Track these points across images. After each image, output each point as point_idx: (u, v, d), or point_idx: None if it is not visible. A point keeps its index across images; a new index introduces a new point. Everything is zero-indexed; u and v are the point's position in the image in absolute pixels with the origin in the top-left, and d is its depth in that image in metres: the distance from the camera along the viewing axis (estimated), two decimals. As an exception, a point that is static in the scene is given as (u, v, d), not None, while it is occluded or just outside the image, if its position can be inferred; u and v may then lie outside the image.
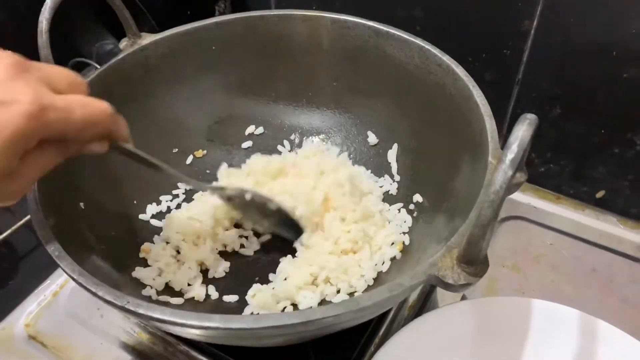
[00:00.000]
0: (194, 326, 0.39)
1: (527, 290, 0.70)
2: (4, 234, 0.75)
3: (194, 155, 0.74)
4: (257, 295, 0.59)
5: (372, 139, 0.74)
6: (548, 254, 0.74)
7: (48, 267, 0.74)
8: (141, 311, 0.40)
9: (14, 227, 0.76)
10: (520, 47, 0.75)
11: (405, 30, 0.66)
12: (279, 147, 0.77)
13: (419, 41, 0.64)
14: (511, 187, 0.48)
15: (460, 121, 0.59)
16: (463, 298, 0.69)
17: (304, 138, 0.77)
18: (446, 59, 0.62)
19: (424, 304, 0.68)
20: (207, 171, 0.74)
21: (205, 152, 0.75)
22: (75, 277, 0.43)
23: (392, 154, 0.72)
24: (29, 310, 0.69)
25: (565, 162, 0.81)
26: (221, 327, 0.39)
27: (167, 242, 0.65)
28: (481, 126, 0.54)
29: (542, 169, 0.83)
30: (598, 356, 0.57)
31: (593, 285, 0.71)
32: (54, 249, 0.46)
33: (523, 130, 0.36)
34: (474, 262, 0.41)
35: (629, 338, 0.57)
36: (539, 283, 0.71)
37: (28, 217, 0.76)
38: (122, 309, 0.41)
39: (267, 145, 0.77)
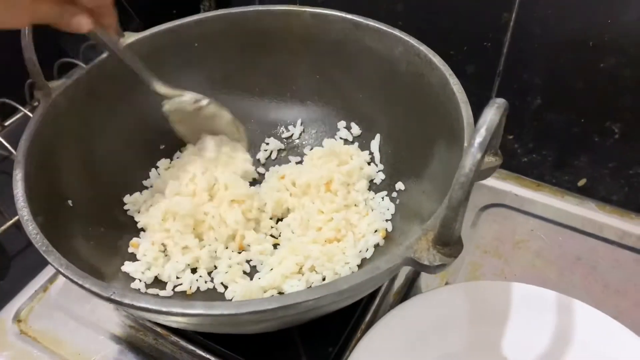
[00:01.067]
0: (178, 313, 0.41)
1: (509, 276, 0.71)
2: (-6, 234, 0.76)
3: (180, 151, 0.75)
4: (243, 285, 0.61)
5: (355, 130, 0.75)
6: (530, 240, 0.75)
7: (38, 267, 0.74)
8: (127, 301, 0.41)
9: (3, 227, 0.77)
10: (500, 39, 0.76)
11: (388, 25, 0.67)
12: (267, 140, 0.78)
13: (397, 32, 0.65)
14: (484, 171, 0.50)
15: (439, 109, 0.60)
16: (447, 284, 0.70)
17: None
18: (424, 49, 0.63)
19: (409, 290, 0.69)
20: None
21: (192, 148, 0.76)
22: (62, 271, 0.44)
23: (375, 144, 0.73)
24: (19, 306, 0.70)
25: (547, 151, 0.83)
26: (204, 313, 0.40)
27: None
28: (458, 113, 0.55)
29: (525, 159, 0.85)
30: (579, 337, 0.59)
31: (575, 271, 0.72)
32: (41, 244, 0.47)
33: (491, 114, 0.37)
34: (449, 243, 0.42)
35: (609, 319, 0.59)
36: (521, 268, 0.72)
37: (17, 217, 0.77)
38: (109, 299, 0.42)
39: (253, 139, 0.78)
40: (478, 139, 0.37)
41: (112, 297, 0.42)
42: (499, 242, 0.75)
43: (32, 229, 0.48)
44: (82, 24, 0.55)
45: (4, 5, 0.49)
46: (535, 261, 0.73)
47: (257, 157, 0.78)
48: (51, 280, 0.72)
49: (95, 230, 0.61)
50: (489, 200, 0.80)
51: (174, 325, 0.50)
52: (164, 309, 0.41)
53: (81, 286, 0.43)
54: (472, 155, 0.37)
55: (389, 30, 0.66)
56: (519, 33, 0.74)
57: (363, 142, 0.75)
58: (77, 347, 0.66)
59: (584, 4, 0.68)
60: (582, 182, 0.82)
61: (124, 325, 0.68)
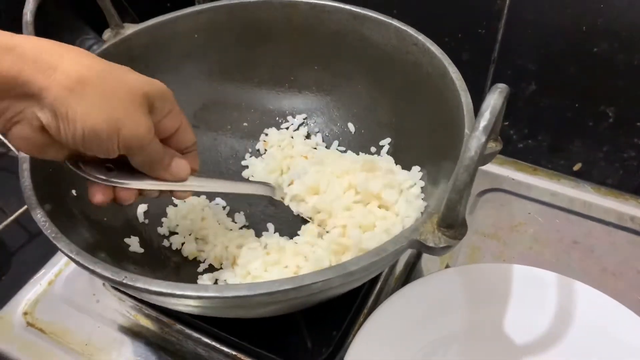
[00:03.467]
0: (191, 297, 0.41)
1: (508, 259, 0.73)
2: (-5, 230, 0.76)
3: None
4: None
5: (354, 120, 0.76)
6: (527, 224, 0.77)
7: (39, 262, 0.75)
8: (139, 285, 0.42)
9: (4, 223, 0.77)
10: (495, 26, 0.77)
11: (383, 13, 0.68)
12: (266, 130, 0.79)
13: (395, 22, 0.66)
14: (486, 156, 0.51)
15: (437, 97, 0.61)
16: (447, 266, 0.71)
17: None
18: (422, 38, 0.63)
19: (409, 274, 0.70)
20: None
21: (191, 138, 0.76)
22: (73, 257, 0.45)
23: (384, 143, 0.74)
24: (26, 299, 0.70)
25: (542, 136, 0.84)
26: (217, 296, 0.41)
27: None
28: (457, 101, 0.56)
29: (521, 144, 0.86)
30: (579, 317, 0.60)
31: (572, 253, 0.73)
32: (50, 232, 0.47)
33: (494, 99, 0.38)
34: (453, 225, 0.43)
35: (608, 299, 0.60)
36: (519, 251, 0.73)
37: (18, 212, 0.77)
38: (121, 284, 0.43)
39: (252, 130, 0.79)
40: (483, 122, 0.38)
41: (125, 281, 0.42)
42: (497, 226, 0.77)
43: (40, 217, 0.48)
44: (182, 168, 0.52)
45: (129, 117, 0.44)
46: (533, 244, 0.74)
47: (257, 147, 0.78)
48: (56, 273, 0.73)
49: (99, 219, 0.61)
50: (486, 185, 0.82)
51: (185, 309, 0.50)
52: (177, 292, 0.41)
53: (92, 271, 0.44)
54: (477, 139, 0.38)
55: (387, 20, 0.67)
56: (512, 19, 0.75)
57: (362, 132, 0.76)
58: (84, 338, 0.67)
59: (576, -10, 0.70)
60: (577, 167, 0.83)
61: (129, 315, 0.68)
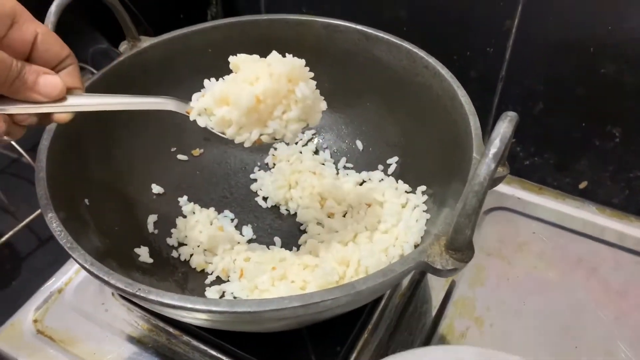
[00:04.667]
0: (202, 310, 0.42)
1: (512, 277, 0.73)
2: (6, 236, 0.77)
3: (191, 154, 0.77)
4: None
5: (362, 137, 0.77)
6: (532, 243, 0.77)
7: (49, 268, 0.76)
8: (152, 297, 0.43)
9: (15, 229, 0.78)
10: (503, 45, 0.78)
11: (392, 31, 0.69)
12: (275, 145, 0.80)
13: (406, 44, 0.67)
14: (494, 181, 0.51)
15: (446, 120, 0.62)
16: (452, 284, 0.72)
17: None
18: (432, 61, 0.64)
19: (414, 292, 0.71)
20: (204, 170, 0.77)
21: (202, 150, 0.78)
22: (87, 267, 0.46)
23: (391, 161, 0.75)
24: (36, 307, 0.71)
25: (549, 155, 0.85)
26: (228, 310, 0.42)
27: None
28: (466, 124, 0.57)
29: (527, 162, 0.86)
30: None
31: (577, 273, 0.74)
32: (66, 242, 0.48)
33: (504, 127, 0.40)
34: (461, 248, 0.44)
35: None
36: (524, 270, 0.74)
37: (29, 219, 0.78)
38: (134, 295, 0.43)
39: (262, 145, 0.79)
40: (493, 149, 0.39)
41: (138, 293, 0.43)
42: (502, 244, 0.77)
43: (56, 226, 0.49)
44: (52, 85, 0.46)
45: None
46: (537, 263, 0.75)
47: (266, 161, 0.80)
48: (66, 282, 0.74)
49: (111, 229, 0.62)
50: (492, 204, 0.82)
51: (194, 322, 0.51)
52: (189, 306, 0.42)
53: (106, 282, 0.45)
54: (487, 165, 0.39)
55: (398, 42, 0.68)
56: (521, 39, 0.76)
57: (370, 150, 0.77)
58: (92, 347, 0.67)
59: (585, 12, 0.70)
60: (583, 185, 0.83)
61: (137, 326, 0.69)
